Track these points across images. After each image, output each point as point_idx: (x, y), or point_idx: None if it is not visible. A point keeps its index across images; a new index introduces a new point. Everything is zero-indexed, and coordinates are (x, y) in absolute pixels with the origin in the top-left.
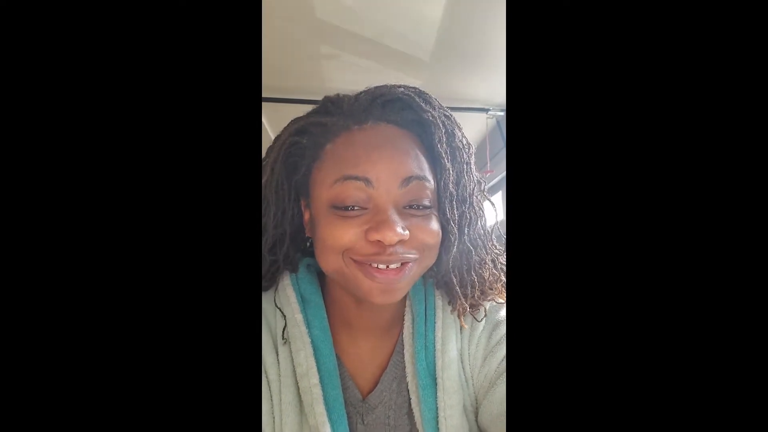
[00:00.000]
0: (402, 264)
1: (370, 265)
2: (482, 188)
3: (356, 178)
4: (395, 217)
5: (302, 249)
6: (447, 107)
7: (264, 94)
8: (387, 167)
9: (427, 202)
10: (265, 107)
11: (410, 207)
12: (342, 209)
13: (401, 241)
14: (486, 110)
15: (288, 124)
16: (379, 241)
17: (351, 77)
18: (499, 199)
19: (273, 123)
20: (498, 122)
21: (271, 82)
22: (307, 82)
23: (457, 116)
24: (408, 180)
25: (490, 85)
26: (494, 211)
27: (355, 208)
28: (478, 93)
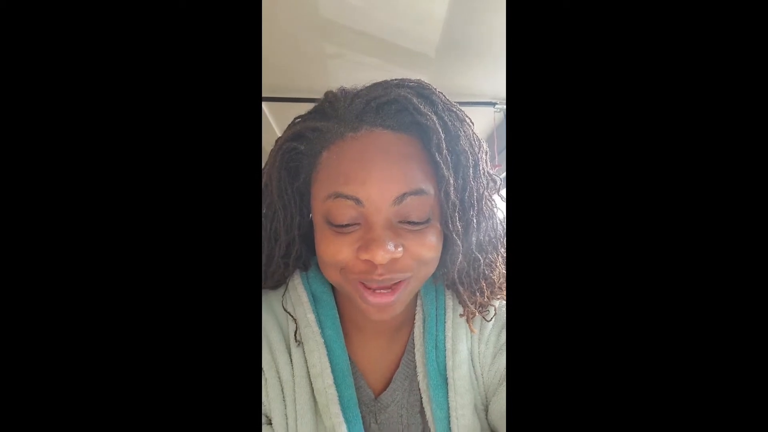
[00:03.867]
0: (397, 283)
1: (365, 286)
2: (497, 186)
3: (346, 197)
4: (386, 234)
5: (314, 249)
6: (454, 102)
7: (270, 94)
8: (378, 186)
9: (425, 217)
10: (272, 107)
11: (407, 222)
12: (336, 226)
13: (394, 260)
14: (493, 104)
15: (288, 126)
16: (370, 261)
17: (357, 75)
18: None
19: (280, 122)
20: (505, 116)
21: (277, 82)
22: (313, 81)
23: (465, 111)
24: (401, 198)
25: (496, 78)
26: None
27: (351, 225)
28: (485, 87)
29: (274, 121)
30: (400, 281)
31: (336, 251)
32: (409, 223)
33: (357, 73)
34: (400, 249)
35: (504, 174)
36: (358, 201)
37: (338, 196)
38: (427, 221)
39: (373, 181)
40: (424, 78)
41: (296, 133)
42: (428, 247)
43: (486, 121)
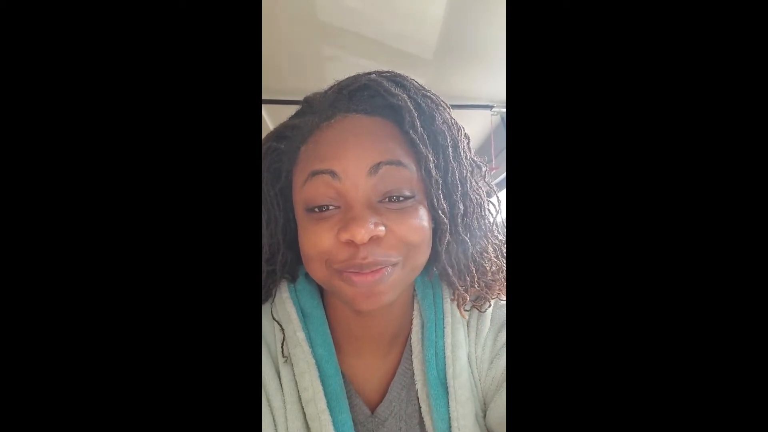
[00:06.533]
0: (382, 266)
1: (348, 270)
2: (482, 172)
3: (322, 172)
4: (366, 212)
5: (300, 257)
6: (451, 105)
7: (267, 97)
8: (352, 156)
9: (406, 192)
10: (269, 109)
11: (388, 200)
12: (315, 211)
13: (377, 239)
14: (490, 107)
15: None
16: (351, 241)
17: None
18: (503, 196)
19: (277, 125)
20: (502, 119)
21: (274, 85)
22: (311, 83)
23: (462, 113)
24: (376, 167)
25: (493, 82)
26: (497, 201)
27: (330, 207)
28: (482, 90)
29: (272, 124)
30: (385, 266)
31: (317, 239)
32: (390, 201)
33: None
34: (381, 228)
35: (502, 176)
36: (333, 174)
37: (314, 173)
38: (411, 198)
39: (348, 154)
40: (422, 81)
41: (276, 133)
42: (414, 228)
43: (483, 123)
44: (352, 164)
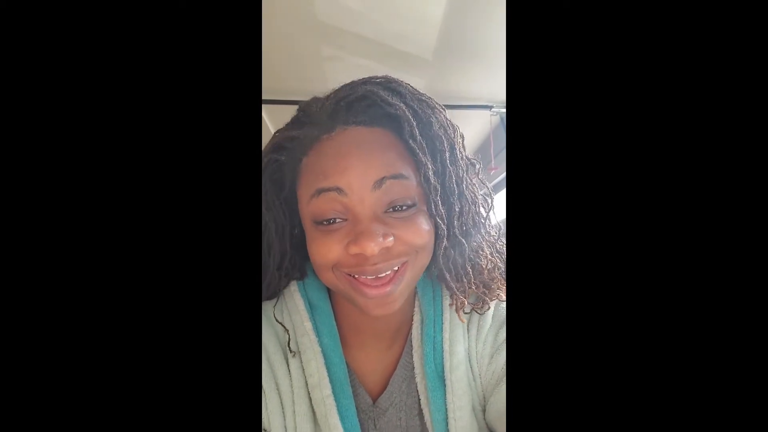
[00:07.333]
0: (393, 271)
1: (359, 279)
2: (476, 170)
3: (328, 190)
4: (374, 226)
5: (306, 255)
6: (450, 105)
7: (266, 97)
8: (356, 173)
9: (409, 201)
10: (268, 110)
11: (392, 210)
12: (324, 224)
13: (386, 249)
14: (489, 107)
15: (270, 140)
16: (360, 254)
17: (354, 78)
18: (502, 197)
19: (276, 125)
20: (501, 119)
21: (273, 85)
22: (310, 84)
23: (461, 114)
24: (380, 182)
25: (493, 82)
26: (491, 198)
27: (337, 220)
28: (481, 90)
29: (271, 124)
30: (397, 269)
31: (327, 250)
32: (395, 210)
33: (354, 76)
34: (390, 239)
35: (502, 176)
36: (339, 190)
37: (321, 191)
38: (413, 206)
39: (352, 169)
40: (422, 81)
41: (275, 144)
42: (419, 233)
43: (482, 124)
44: (356, 180)
